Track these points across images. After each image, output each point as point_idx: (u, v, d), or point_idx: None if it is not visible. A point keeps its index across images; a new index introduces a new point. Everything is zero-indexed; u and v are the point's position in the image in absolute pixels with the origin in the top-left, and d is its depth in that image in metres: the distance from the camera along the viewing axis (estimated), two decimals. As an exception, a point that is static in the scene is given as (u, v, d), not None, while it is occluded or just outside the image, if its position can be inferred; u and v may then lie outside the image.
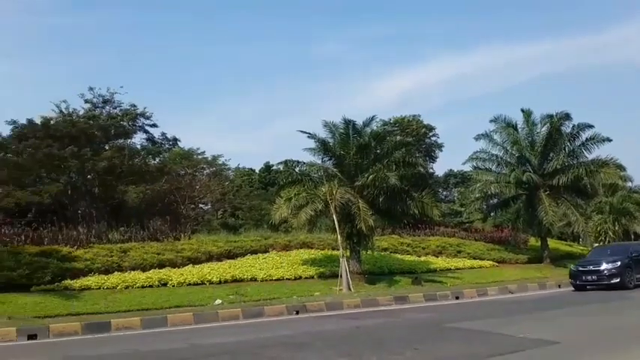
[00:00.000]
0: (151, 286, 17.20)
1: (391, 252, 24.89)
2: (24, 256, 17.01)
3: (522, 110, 29.32)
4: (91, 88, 28.95)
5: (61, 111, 28.04)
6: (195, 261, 19.99)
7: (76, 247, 18.85)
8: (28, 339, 11.52)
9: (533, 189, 27.88)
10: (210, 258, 20.63)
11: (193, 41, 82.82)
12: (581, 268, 19.72)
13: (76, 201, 28.10)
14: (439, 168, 49.89)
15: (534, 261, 28.24)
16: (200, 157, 36.15)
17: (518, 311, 14.04)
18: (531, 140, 29.00)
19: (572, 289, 19.73)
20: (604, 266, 19.12)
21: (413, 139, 34.43)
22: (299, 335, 11.08)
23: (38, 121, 26.55)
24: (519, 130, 29.19)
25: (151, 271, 18.27)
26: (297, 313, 14.86)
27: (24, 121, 26.58)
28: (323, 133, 21.17)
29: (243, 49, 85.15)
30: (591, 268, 19.43)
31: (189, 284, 17.80)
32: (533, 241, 30.83)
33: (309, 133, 20.76)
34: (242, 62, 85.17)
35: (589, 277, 19.22)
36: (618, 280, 18.71)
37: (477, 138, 29.63)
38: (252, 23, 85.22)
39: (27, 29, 76.13)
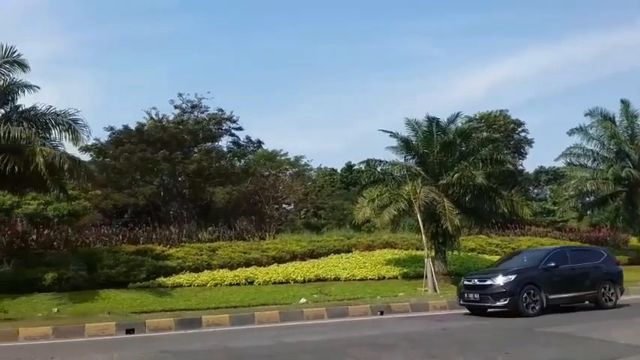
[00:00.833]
0: (238, 284, 17.66)
1: (478, 253, 24.08)
2: (122, 254, 18.07)
3: (622, 101, 27.62)
4: (179, 94, 30.34)
5: (151, 117, 29.60)
6: (279, 260, 20.32)
7: (168, 246, 19.78)
8: (126, 333, 12.14)
9: (634, 185, 26.03)
10: (294, 257, 20.89)
11: (274, 42, 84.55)
12: (466, 282, 14.10)
13: (168, 202, 29.54)
14: (529, 165, 47.83)
15: (637, 262, 26.27)
16: (283, 158, 36.86)
17: (619, 316, 13.06)
18: (631, 134, 27.18)
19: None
20: (493, 281, 13.27)
21: (500, 135, 33.21)
22: (384, 336, 10.92)
23: (133, 127, 28.15)
24: (617, 123, 27.42)
25: (238, 270, 18.77)
26: (382, 313, 14.68)
27: (120, 128, 28.32)
28: (405, 132, 20.82)
29: (323, 47, 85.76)
30: (476, 282, 13.72)
31: (275, 283, 18.12)
32: (635, 241, 28.73)
33: (391, 132, 20.49)
34: (323, 61, 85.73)
35: (471, 296, 13.65)
36: (507, 301, 12.85)
37: (571, 133, 28.23)
38: (331, 22, 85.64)
39: (119, 39, 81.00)
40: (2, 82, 15.77)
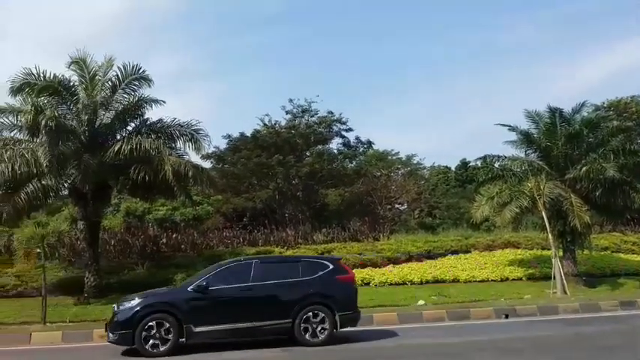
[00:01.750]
0: (354, 285, 17.63)
1: (612, 251, 22.13)
2: (243, 256, 18.80)
3: None
4: (290, 100, 31.18)
5: (265, 124, 30.71)
6: (394, 261, 20.07)
7: (285, 247, 20.31)
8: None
9: None
10: (409, 258, 20.54)
11: (380, 43, 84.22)
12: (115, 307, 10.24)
13: (283, 205, 30.43)
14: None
15: None
16: (394, 157, 36.48)
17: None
18: None
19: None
20: (123, 306, 9.94)
21: (633, 123, 30.29)
22: (510, 340, 10.35)
23: (249, 134, 29.40)
24: None
25: (353, 271, 18.73)
26: (507, 316, 13.92)
27: (237, 135, 29.71)
28: (525, 124, 19.67)
29: (430, 42, 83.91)
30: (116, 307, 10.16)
31: (391, 284, 17.89)
32: None
33: (510, 125, 19.46)
34: (434, 58, 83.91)
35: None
36: (117, 336, 9.65)
37: None
38: (438, 16, 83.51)
39: (233, 51, 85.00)
40: (132, 97, 17.07)
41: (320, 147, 30.43)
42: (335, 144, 32.46)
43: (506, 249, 21.75)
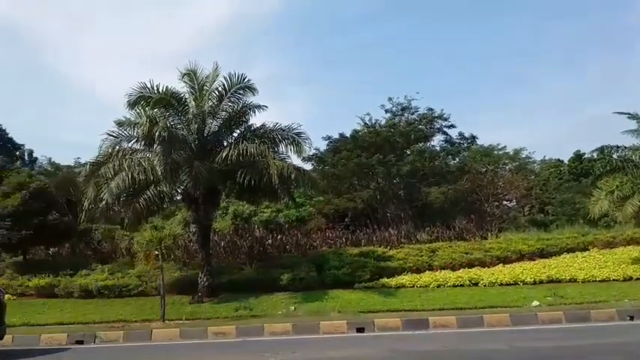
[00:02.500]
0: (462, 286, 17.12)
1: None
2: (346, 256, 18.96)
3: None
4: (389, 98, 30.88)
5: (365, 123, 30.67)
6: (504, 260, 19.23)
7: (389, 247, 20.16)
8: (356, 331, 12.63)
9: None
10: (520, 257, 19.59)
11: (484, 34, 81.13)
12: None
13: (385, 204, 30.20)
14: None
15: None
16: (501, 152, 34.93)
17: None
18: None
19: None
20: None
21: None
22: (637, 344, 9.51)
23: (348, 134, 29.53)
24: None
25: (460, 271, 18.23)
26: (632, 318, 12.84)
27: (336, 136, 29.94)
28: (645, 111, 18.04)
29: (544, 27, 79.41)
30: None
31: (501, 284, 17.12)
32: None
33: (629, 113, 17.98)
34: (545, 45, 79.36)
35: None
36: None
37: None
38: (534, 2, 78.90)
39: (329, 52, 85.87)
40: (237, 105, 17.75)
41: (421, 145, 29.86)
42: (437, 141, 31.74)
43: (628, 246, 20.15)
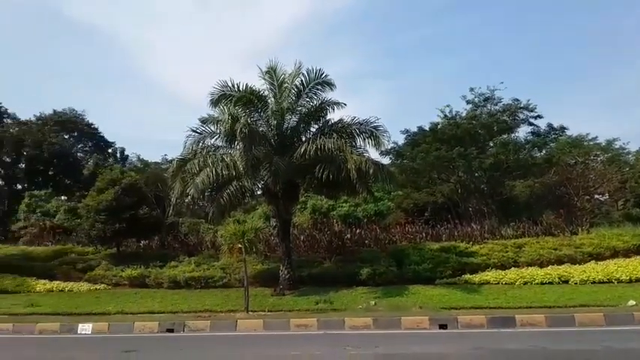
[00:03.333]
0: (550, 283, 16.33)
1: None
2: (426, 251, 18.63)
3: None
4: (471, 89, 29.90)
5: (445, 115, 29.88)
6: (597, 257, 18.15)
7: (471, 242, 19.61)
8: (439, 328, 12.38)
9: None
10: (614, 254, 18.40)
11: (567, 23, 76.87)
12: None
13: (466, 198, 29.35)
14: None
15: None
16: (592, 143, 32.90)
17: None
18: None
19: None
20: None
21: None
22: None
23: (427, 127, 28.91)
24: None
25: (548, 268, 17.39)
26: None
27: (415, 129, 29.40)
28: None
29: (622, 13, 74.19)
30: None
31: (593, 282, 16.16)
32: None
33: None
34: (623, 29, 74.15)
35: None
36: None
37: None
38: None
39: (406, 45, 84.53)
40: (315, 101, 17.87)
41: (504, 136, 28.64)
42: (522, 132, 30.32)
43: None
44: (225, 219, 19.24)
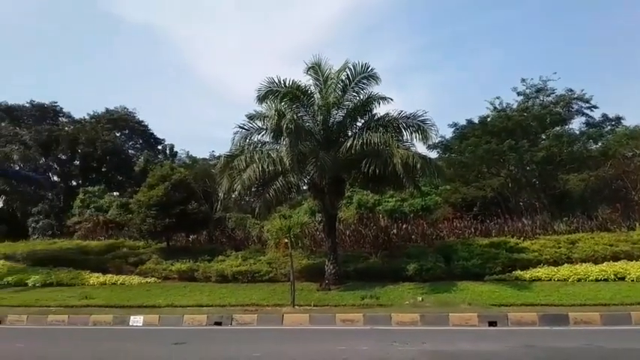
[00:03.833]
0: (605, 280, 15.71)
1: None
2: (475, 247, 18.24)
3: None
4: (522, 80, 29.07)
5: (494, 107, 29.17)
6: (657, 254, 17.31)
7: (522, 238, 19.07)
8: (488, 325, 12.10)
9: None
10: (676, 250, 17.50)
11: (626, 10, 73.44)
12: None
13: (517, 193, 28.58)
14: None
15: None
16: (651, 134, 31.42)
17: None
18: None
19: None
20: None
21: None
22: None
23: (476, 120, 28.29)
24: None
25: (603, 264, 16.72)
26: None
27: (463, 122, 28.83)
28: None
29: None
30: None
31: (652, 279, 15.45)
32: None
33: None
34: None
35: None
36: None
37: None
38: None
39: (450, 38, 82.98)
40: (361, 95, 17.72)
41: (558, 128, 27.67)
42: (576, 124, 29.24)
43: None
44: (272, 214, 19.38)
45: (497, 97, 28.95)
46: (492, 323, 12.17)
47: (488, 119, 28.13)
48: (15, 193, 23.49)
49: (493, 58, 79.69)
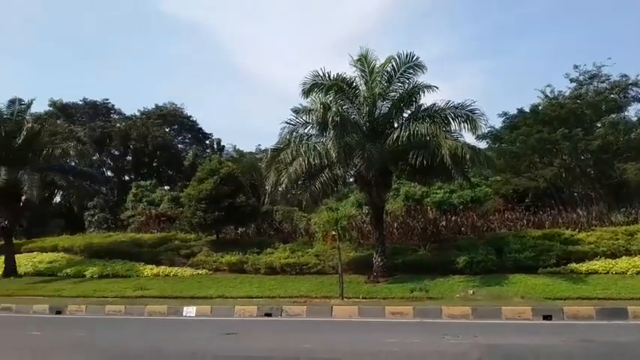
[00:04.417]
0: (666, 272, 15.02)
1: None
2: (528, 239, 17.73)
3: None
4: (575, 66, 28.08)
5: (545, 95, 28.30)
6: None
7: (577, 230, 18.42)
8: (542, 319, 11.79)
9: None
10: None
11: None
12: None
13: (571, 183, 27.69)
14: None
15: None
16: None
17: None
18: None
19: None
20: None
21: None
22: None
23: (527, 109, 27.52)
24: None
25: (666, 256, 15.99)
26: None
27: (513, 112, 28.09)
28: None
29: None
30: None
31: None
32: None
33: None
34: None
35: None
36: None
37: None
38: None
39: (498, 26, 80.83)
40: (407, 85, 17.50)
41: (613, 116, 26.61)
42: (633, 111, 28.01)
43: None
44: (318, 207, 19.43)
45: (549, 85, 28.11)
46: (547, 317, 11.85)
47: (540, 108, 27.29)
48: (72, 188, 24.37)
49: (543, 45, 77.22)
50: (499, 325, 11.52)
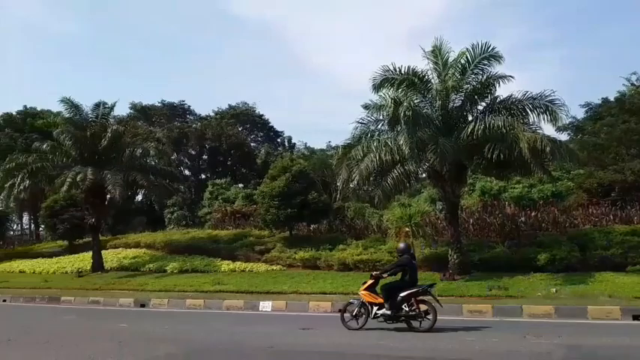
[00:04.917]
0: None
1: None
2: (615, 235, 16.76)
3: None
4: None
5: (632, 83, 26.64)
6: None
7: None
8: (633, 319, 11.10)
9: None
10: None
11: None
12: None
13: (662, 176, 25.82)
14: None
15: None
16: None
17: None
18: None
19: None
20: None
21: None
22: None
23: (612, 98, 26.01)
24: None
25: None
26: None
27: (596, 102, 26.63)
28: None
29: None
30: None
31: None
32: None
33: None
34: None
35: None
36: None
37: None
38: None
39: (576, 12, 76.70)
40: (481, 77, 16.94)
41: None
42: None
43: None
44: (391, 203, 19.23)
45: (634, 73, 26.38)
46: (637, 317, 11.12)
47: (626, 96, 25.69)
48: (153, 186, 25.56)
49: (625, 31, 72.63)
50: (585, 325, 10.95)
